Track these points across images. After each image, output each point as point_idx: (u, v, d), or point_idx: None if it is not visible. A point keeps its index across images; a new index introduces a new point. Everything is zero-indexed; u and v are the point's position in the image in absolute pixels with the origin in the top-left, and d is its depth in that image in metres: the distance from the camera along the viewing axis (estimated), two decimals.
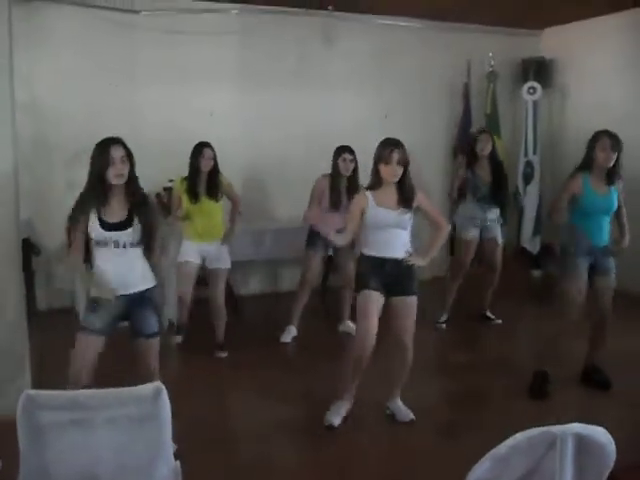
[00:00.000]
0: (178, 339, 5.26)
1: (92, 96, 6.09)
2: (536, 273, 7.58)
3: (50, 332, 4.93)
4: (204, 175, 4.87)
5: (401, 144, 3.68)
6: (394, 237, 3.75)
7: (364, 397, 3.97)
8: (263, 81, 6.74)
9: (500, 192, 5.69)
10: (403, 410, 3.94)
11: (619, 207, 4.29)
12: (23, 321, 3.92)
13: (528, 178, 7.44)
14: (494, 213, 5.71)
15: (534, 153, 7.46)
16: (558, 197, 4.31)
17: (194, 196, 4.85)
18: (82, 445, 2.11)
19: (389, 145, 3.67)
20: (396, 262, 3.73)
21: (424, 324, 5.71)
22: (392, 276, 3.73)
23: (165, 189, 5.76)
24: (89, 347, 3.18)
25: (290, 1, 6.46)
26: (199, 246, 4.94)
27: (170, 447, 2.20)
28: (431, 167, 7.32)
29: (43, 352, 4.18)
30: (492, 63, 7.41)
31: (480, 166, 5.63)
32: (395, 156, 3.64)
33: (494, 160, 5.69)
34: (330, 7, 6.66)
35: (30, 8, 5.82)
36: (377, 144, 3.75)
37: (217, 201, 4.94)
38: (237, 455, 3.58)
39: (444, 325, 5.86)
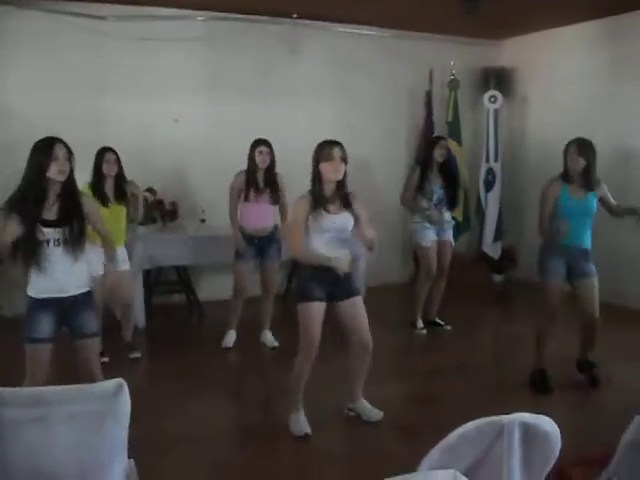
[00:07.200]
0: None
1: (59, 103, 6.07)
2: (497, 278, 7.70)
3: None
4: (110, 179, 4.76)
5: (340, 143, 3.63)
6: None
7: (322, 401, 3.96)
8: (228, 87, 6.80)
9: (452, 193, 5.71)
10: (370, 409, 3.90)
11: (607, 201, 4.40)
12: None
13: (489, 185, 7.57)
14: (448, 215, 5.79)
15: (495, 160, 7.59)
16: (541, 214, 4.36)
17: (104, 201, 4.68)
18: (41, 443, 2.10)
19: (329, 143, 3.63)
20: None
21: (390, 327, 5.87)
22: (335, 281, 3.63)
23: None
24: (41, 359, 3.16)
25: (255, 8, 6.53)
26: None
27: (126, 445, 2.19)
28: (393, 175, 7.38)
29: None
30: (453, 72, 7.53)
31: (432, 170, 5.65)
32: (337, 152, 3.58)
33: (446, 163, 5.73)
34: (294, 15, 6.75)
35: None
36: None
37: (125, 205, 4.86)
38: (199, 458, 3.53)
39: (424, 331, 5.85)
